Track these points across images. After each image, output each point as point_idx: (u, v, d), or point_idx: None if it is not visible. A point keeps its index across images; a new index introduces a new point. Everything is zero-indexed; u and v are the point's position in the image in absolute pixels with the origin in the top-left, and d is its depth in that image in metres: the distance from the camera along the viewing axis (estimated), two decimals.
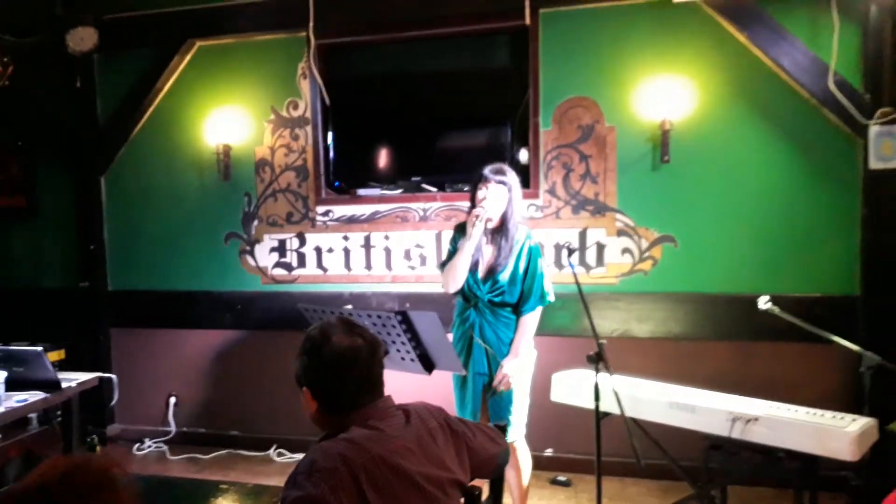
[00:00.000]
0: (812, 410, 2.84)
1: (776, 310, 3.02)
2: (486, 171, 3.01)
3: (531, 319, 2.95)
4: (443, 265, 3.09)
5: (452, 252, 3.05)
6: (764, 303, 3.04)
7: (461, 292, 3.00)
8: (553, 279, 3.10)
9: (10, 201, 4.80)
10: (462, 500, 1.57)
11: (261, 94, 4.36)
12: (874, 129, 3.38)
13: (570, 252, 2.96)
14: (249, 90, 4.37)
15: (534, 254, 2.94)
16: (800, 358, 3.64)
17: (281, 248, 4.41)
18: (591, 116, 3.86)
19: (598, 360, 2.63)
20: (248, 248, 4.46)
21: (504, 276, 2.92)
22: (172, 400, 4.60)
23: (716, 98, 3.71)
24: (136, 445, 4.49)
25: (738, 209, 3.73)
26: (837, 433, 2.57)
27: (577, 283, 2.74)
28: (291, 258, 4.39)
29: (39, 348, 3.11)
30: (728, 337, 3.77)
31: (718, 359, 3.75)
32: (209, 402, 4.56)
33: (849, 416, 2.73)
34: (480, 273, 2.96)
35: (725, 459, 3.23)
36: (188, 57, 4.43)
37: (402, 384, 2.37)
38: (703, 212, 3.77)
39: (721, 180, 3.74)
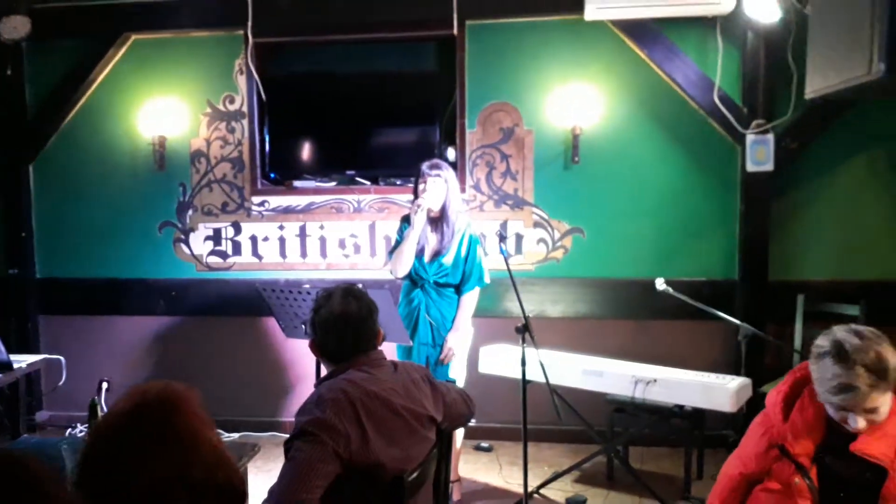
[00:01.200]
0: (699, 373, 3.38)
1: (670, 290, 3.53)
2: (424, 166, 3.39)
3: (471, 298, 3.36)
4: (391, 252, 3.43)
5: (399, 241, 3.40)
6: (660, 284, 3.55)
7: (408, 276, 3.36)
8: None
9: None
10: (435, 433, 1.92)
11: (197, 88, 4.51)
12: (750, 138, 3.98)
13: (503, 238, 3.35)
14: (185, 84, 4.52)
15: (473, 241, 3.35)
16: (689, 333, 4.20)
17: (216, 237, 4.59)
18: (512, 120, 4.29)
19: (524, 329, 3.04)
20: (182, 236, 4.61)
21: (447, 260, 3.30)
22: (104, 385, 4.66)
23: (620, 107, 4.21)
24: (68, 431, 4.55)
25: (637, 204, 4.25)
26: (720, 389, 3.11)
27: (508, 267, 3.15)
28: (227, 246, 4.58)
29: None
30: (629, 316, 4.29)
31: (621, 335, 4.26)
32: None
33: (728, 377, 3.27)
34: (426, 257, 3.33)
35: (628, 420, 3.76)
36: (123, 49, 4.53)
37: None
38: (608, 206, 4.27)
39: (623, 179, 4.25)
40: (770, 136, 3.94)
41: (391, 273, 3.47)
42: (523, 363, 3.08)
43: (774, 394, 1.94)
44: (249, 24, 4.34)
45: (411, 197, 3.99)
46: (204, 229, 4.59)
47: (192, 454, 1.14)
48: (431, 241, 3.39)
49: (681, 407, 3.55)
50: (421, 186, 3.37)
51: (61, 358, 3.57)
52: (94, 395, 2.45)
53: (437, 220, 3.39)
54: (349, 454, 1.63)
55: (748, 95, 4.03)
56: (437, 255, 3.35)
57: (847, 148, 4.03)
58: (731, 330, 3.92)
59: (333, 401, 1.67)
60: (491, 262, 3.64)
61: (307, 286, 3.15)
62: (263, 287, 3.13)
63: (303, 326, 3.02)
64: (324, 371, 1.95)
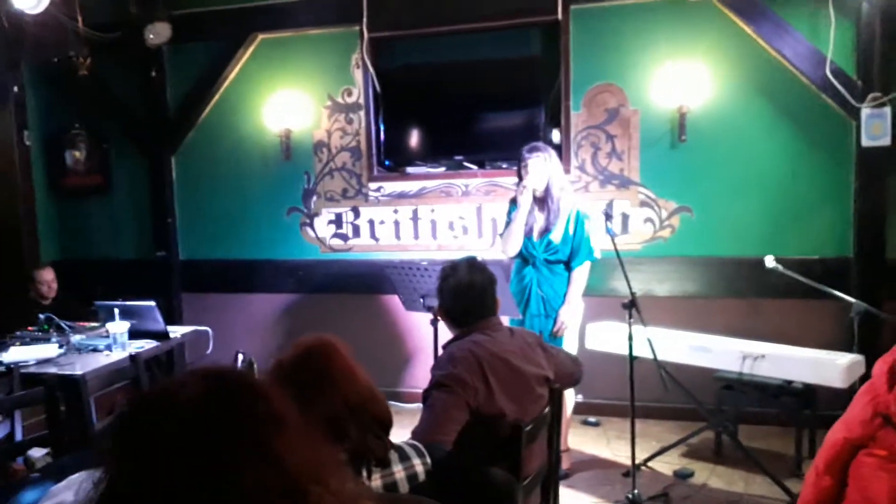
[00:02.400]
0: (810, 350, 3.39)
1: (780, 267, 3.56)
2: (524, 150, 3.59)
3: (581, 272, 3.52)
4: (501, 234, 3.64)
5: (508, 223, 3.60)
6: (770, 262, 3.58)
7: (519, 254, 3.55)
8: None
9: (89, 180, 5.32)
10: (547, 392, 2.12)
11: (318, 83, 4.86)
12: (866, 112, 3.89)
13: (608, 217, 3.48)
14: (307, 79, 4.87)
15: (580, 217, 3.51)
16: (799, 311, 4.16)
17: (338, 221, 4.93)
18: (617, 100, 4.37)
19: (631, 306, 3.17)
20: (307, 220, 4.99)
21: (555, 237, 3.48)
22: (240, 357, 5.14)
23: (727, 84, 4.20)
24: None
25: (746, 182, 4.24)
26: (830, 364, 3.12)
27: (615, 245, 3.28)
28: (347, 229, 4.92)
29: (152, 303, 3.66)
30: (737, 294, 4.30)
31: (729, 313, 4.27)
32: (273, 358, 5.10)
33: (840, 353, 3.27)
34: (535, 236, 3.52)
35: (736, 398, 3.81)
36: (251, 49, 4.93)
37: None
38: (716, 185, 4.29)
39: (732, 157, 4.25)
40: (887, 110, 3.85)
41: (502, 252, 3.67)
42: (630, 338, 3.21)
43: (881, 363, 2.00)
44: (364, 20, 4.63)
45: (516, 179, 4.22)
46: (326, 214, 4.95)
47: (351, 387, 1.38)
48: (539, 220, 3.56)
49: (790, 383, 3.58)
50: (523, 169, 3.55)
51: (209, 329, 3.99)
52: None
53: (543, 200, 3.56)
54: (477, 404, 1.86)
55: (863, 68, 3.94)
56: (545, 232, 3.52)
57: None
58: (844, 309, 3.88)
59: (463, 359, 1.90)
60: (598, 241, 3.77)
61: (425, 263, 3.38)
62: (387, 265, 3.41)
63: (421, 300, 3.27)
64: (444, 337, 2.18)
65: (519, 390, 1.96)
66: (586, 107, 4.42)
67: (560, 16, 4.34)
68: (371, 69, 4.72)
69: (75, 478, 1.95)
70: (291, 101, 4.86)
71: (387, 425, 1.41)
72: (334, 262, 4.96)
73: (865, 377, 3.32)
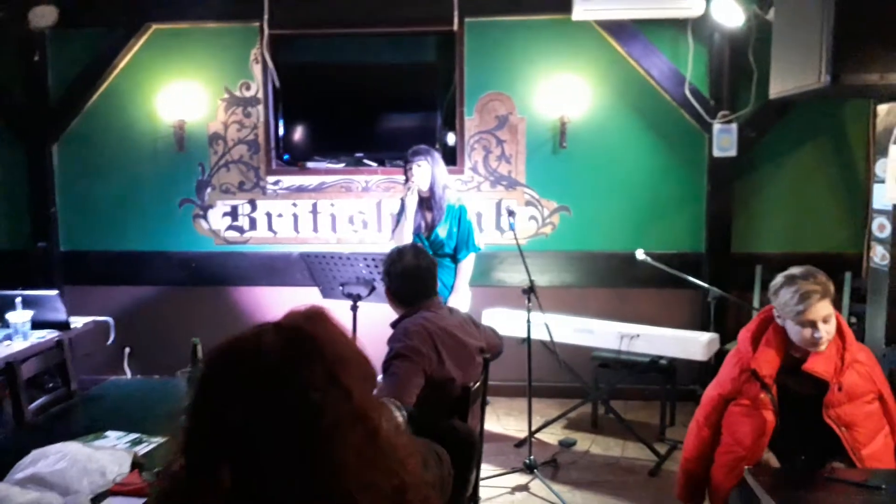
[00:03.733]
0: (675, 330, 3.94)
1: (649, 260, 4.08)
2: (408, 154, 3.91)
3: (467, 263, 3.88)
4: (393, 230, 3.91)
5: (399, 221, 3.88)
6: (640, 255, 4.09)
7: None
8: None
9: None
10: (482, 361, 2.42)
11: (215, 76, 4.87)
12: (716, 127, 4.53)
13: (511, 213, 3.84)
14: (204, 71, 4.87)
15: (463, 212, 3.88)
16: (661, 299, 4.75)
17: (233, 213, 4.97)
18: (506, 108, 4.76)
19: (530, 291, 3.54)
20: (201, 212, 4.98)
21: (442, 232, 3.81)
22: (127, 350, 5.05)
23: (602, 98, 4.71)
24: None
25: (617, 185, 4.77)
26: (693, 341, 3.67)
27: (517, 238, 3.66)
28: (243, 222, 4.97)
29: (55, 292, 3.58)
30: (608, 285, 4.82)
31: (601, 302, 4.78)
32: (163, 351, 5.02)
33: (700, 332, 3.83)
34: (424, 232, 3.82)
35: (610, 375, 4.31)
36: (144, 38, 4.85)
37: (387, 312, 3.15)
38: (591, 187, 4.79)
39: (605, 163, 4.76)
40: (734, 126, 4.50)
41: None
42: (528, 322, 3.58)
43: (745, 332, 2.48)
44: (266, 17, 4.71)
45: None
46: (221, 206, 4.97)
47: (348, 350, 1.47)
48: (426, 217, 3.89)
49: (657, 361, 4.12)
50: (408, 172, 3.85)
51: (109, 319, 3.94)
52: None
53: (428, 199, 3.89)
54: (431, 371, 2.12)
55: (714, 89, 4.58)
56: (432, 228, 3.85)
57: (798, 137, 4.62)
58: (697, 296, 4.53)
59: (416, 332, 2.16)
60: (492, 236, 4.14)
61: (346, 254, 3.56)
62: (306, 255, 3.56)
63: (340, 288, 3.46)
64: (363, 322, 2.40)
65: (463, 359, 2.24)
66: (479, 113, 4.78)
67: (456, 27, 4.66)
68: (271, 65, 4.81)
69: (38, 452, 2.02)
70: (186, 92, 4.84)
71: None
72: (229, 255, 4.99)
73: (719, 353, 3.93)
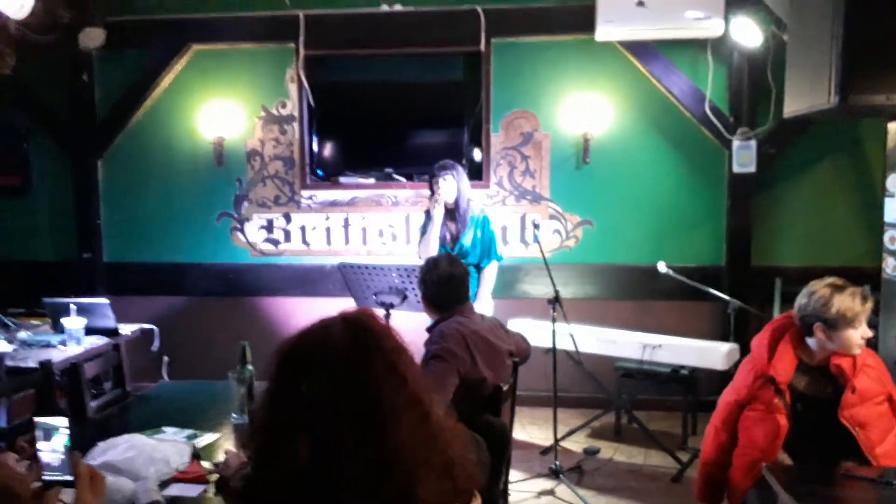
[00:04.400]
0: (696, 340, 4.07)
1: (671, 272, 4.21)
2: (435, 168, 4.07)
3: (490, 271, 4.04)
4: (419, 241, 4.08)
5: (424, 233, 4.05)
6: (662, 267, 4.23)
7: None
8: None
9: (7, 180, 5.26)
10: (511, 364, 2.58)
11: (252, 95, 5.10)
12: (736, 143, 4.67)
13: (536, 226, 4.00)
14: (242, 90, 5.10)
15: (486, 222, 4.05)
16: (681, 311, 4.87)
17: (269, 226, 5.19)
18: (531, 125, 4.94)
19: (555, 301, 3.69)
20: (238, 225, 5.20)
21: (466, 241, 3.98)
22: (165, 358, 5.25)
23: (624, 115, 4.87)
24: None
25: (639, 200, 4.92)
26: (714, 351, 3.79)
27: (542, 250, 3.82)
28: (278, 234, 5.18)
29: (106, 300, 3.79)
30: (630, 297, 4.96)
31: (623, 313, 4.90)
32: (200, 359, 5.22)
33: (720, 343, 3.96)
34: (449, 244, 3.99)
35: (633, 385, 4.44)
36: (186, 58, 5.10)
37: (419, 320, 3.31)
38: (614, 202, 4.94)
39: (627, 178, 4.91)
40: (753, 143, 4.64)
41: (419, 258, 4.10)
42: (553, 332, 3.73)
43: (758, 339, 2.61)
44: (301, 38, 4.94)
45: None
46: (258, 219, 5.18)
47: (399, 343, 1.58)
48: (451, 229, 4.06)
49: (678, 371, 4.24)
50: (434, 185, 4.02)
51: (155, 328, 4.14)
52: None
53: (453, 211, 4.07)
54: (465, 372, 2.28)
55: (734, 107, 4.73)
56: (457, 239, 4.02)
57: (816, 153, 4.74)
58: (717, 309, 4.64)
59: (451, 336, 2.32)
60: (517, 249, 4.30)
61: (379, 265, 3.73)
62: (342, 266, 3.76)
63: (374, 297, 3.63)
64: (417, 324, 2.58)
65: (495, 361, 2.40)
66: (504, 130, 4.96)
67: (483, 47, 4.86)
68: (306, 84, 5.03)
69: (107, 443, 2.21)
70: (225, 110, 5.07)
71: None
72: (265, 266, 5.20)
73: (738, 363, 4.04)
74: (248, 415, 2.54)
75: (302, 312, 5.12)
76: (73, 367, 3.00)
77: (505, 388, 2.34)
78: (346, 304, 4.82)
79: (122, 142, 5.22)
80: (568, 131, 4.89)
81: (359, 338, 1.35)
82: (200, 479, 2.09)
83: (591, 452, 4.26)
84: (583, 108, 4.82)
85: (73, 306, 3.64)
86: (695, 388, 4.43)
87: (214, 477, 2.07)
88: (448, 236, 4.08)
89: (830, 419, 2.43)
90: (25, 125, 5.27)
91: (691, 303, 4.78)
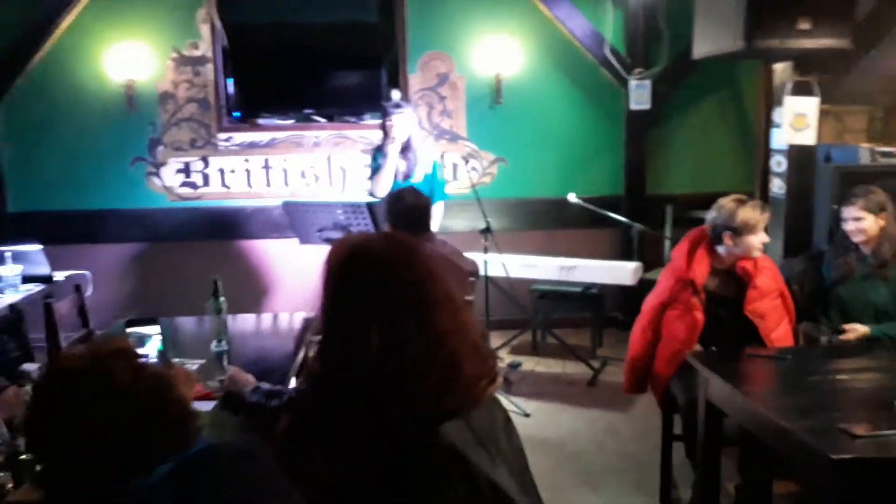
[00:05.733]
0: (606, 261, 4.54)
1: (581, 202, 4.63)
2: (388, 106, 4.22)
3: (438, 209, 4.27)
4: (370, 178, 4.24)
5: (374, 167, 4.22)
6: (572, 198, 4.64)
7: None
8: None
9: None
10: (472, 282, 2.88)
11: (162, 36, 4.99)
12: (632, 83, 5.11)
13: (466, 161, 4.27)
14: (151, 32, 4.97)
15: (437, 164, 4.25)
16: (587, 238, 5.32)
17: (186, 170, 5.16)
18: (446, 67, 5.16)
19: (487, 230, 4.02)
20: (154, 170, 5.14)
21: (416, 180, 4.18)
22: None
23: (532, 57, 5.18)
24: None
25: (547, 137, 5.30)
26: (623, 269, 4.28)
27: (473, 185, 4.10)
28: (196, 178, 5.17)
29: (39, 246, 3.74)
30: (541, 227, 5.37)
31: (536, 242, 5.30)
32: (120, 304, 5.19)
33: (626, 262, 4.45)
34: (399, 178, 4.19)
35: (548, 305, 4.88)
36: None
37: None
38: (525, 139, 5.29)
39: (536, 117, 5.27)
40: (648, 82, 5.09)
41: (370, 195, 4.29)
42: (486, 261, 4.06)
43: (677, 250, 3.04)
44: None
45: (362, 132, 5.03)
46: (174, 163, 5.14)
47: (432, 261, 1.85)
48: (401, 166, 4.25)
49: (588, 290, 4.71)
50: (388, 123, 4.18)
51: (87, 273, 4.10)
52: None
53: (404, 149, 4.25)
54: None
55: (631, 49, 5.15)
56: (407, 176, 4.22)
57: (703, 91, 5.28)
58: (617, 233, 5.19)
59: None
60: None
61: (325, 202, 3.87)
62: (286, 204, 3.88)
63: (317, 234, 3.80)
64: None
65: (460, 279, 2.68)
66: (421, 71, 5.15)
67: None
68: (219, 24, 4.98)
69: None
70: (134, 53, 4.93)
71: None
72: (183, 210, 5.18)
73: (644, 280, 4.56)
74: (225, 343, 2.72)
75: (225, 255, 5.20)
76: (47, 308, 3.00)
77: (469, 300, 2.64)
78: (270, 245, 5.03)
79: (21, 86, 4.97)
80: (481, 72, 5.15)
81: (401, 245, 1.62)
82: (207, 396, 2.26)
83: (514, 366, 4.69)
84: (495, 50, 5.08)
85: (7, 254, 3.57)
86: (602, 306, 4.94)
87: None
88: (398, 172, 4.24)
89: (736, 314, 2.92)
90: None
91: (595, 230, 5.25)
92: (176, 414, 1.24)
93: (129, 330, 2.07)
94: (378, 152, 4.26)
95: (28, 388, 1.99)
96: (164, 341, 2.13)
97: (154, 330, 2.09)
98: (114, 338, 1.28)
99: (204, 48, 5.02)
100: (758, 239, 2.85)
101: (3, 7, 4.86)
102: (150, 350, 2.05)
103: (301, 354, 2.78)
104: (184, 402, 1.27)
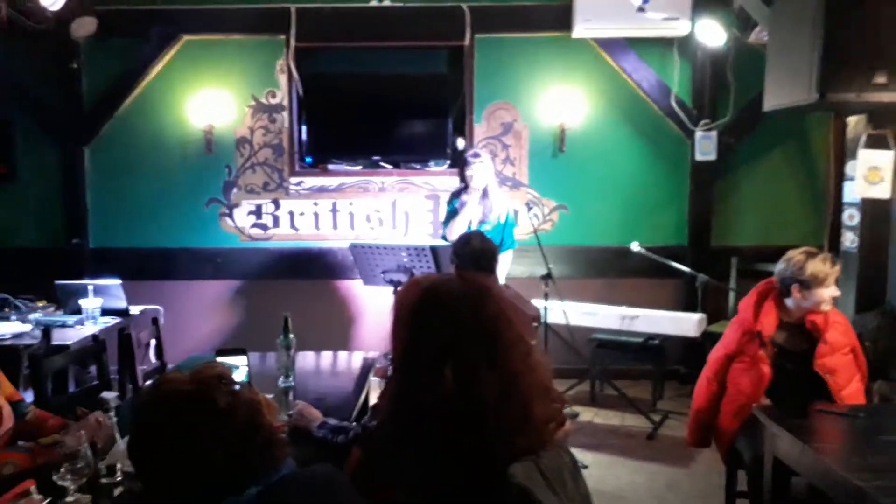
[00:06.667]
0: (669, 311, 4.49)
1: (643, 251, 4.61)
2: (468, 155, 4.34)
3: (506, 257, 4.33)
4: (445, 223, 4.33)
5: (450, 211, 4.31)
6: (635, 247, 4.62)
7: None
8: None
9: None
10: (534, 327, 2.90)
11: (242, 85, 5.26)
12: (698, 134, 5.11)
13: (529, 208, 4.32)
14: (232, 81, 5.25)
15: (508, 216, 4.32)
16: (649, 287, 5.27)
17: (258, 212, 5.36)
18: (511, 116, 5.27)
19: (548, 277, 4.04)
20: (227, 211, 5.36)
21: (488, 227, 4.26)
22: (153, 342, 5.36)
23: (597, 107, 5.25)
24: None
25: (610, 186, 5.32)
26: (687, 320, 4.22)
27: (536, 232, 4.14)
28: (267, 220, 5.36)
29: (118, 281, 3.94)
30: (602, 275, 5.35)
31: (596, 291, 5.28)
32: (190, 338, 5.37)
33: (690, 313, 4.38)
34: (473, 225, 4.26)
35: (607, 355, 4.84)
36: (176, 48, 5.22)
37: None
38: (587, 188, 5.32)
39: (599, 166, 5.30)
40: (714, 133, 5.08)
41: (444, 238, 4.36)
42: (545, 307, 4.08)
43: (745, 302, 3.00)
44: (292, 30, 5.13)
45: (426, 178, 5.17)
46: (247, 205, 5.35)
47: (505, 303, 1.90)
48: (476, 212, 4.34)
49: (649, 341, 4.65)
50: (468, 171, 4.27)
51: (160, 308, 4.29)
52: None
53: (481, 196, 4.35)
54: None
55: (697, 100, 5.17)
56: (481, 223, 4.31)
57: (769, 143, 5.23)
58: (680, 284, 5.12)
59: None
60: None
61: (391, 243, 3.97)
62: (353, 245, 4.00)
63: (382, 275, 3.89)
64: None
65: (524, 324, 2.71)
66: (486, 120, 5.27)
67: (467, 42, 5.15)
68: (296, 74, 5.22)
69: None
70: (215, 99, 5.21)
71: None
72: (253, 250, 5.37)
73: (707, 332, 4.48)
74: (292, 379, 2.80)
75: (291, 294, 5.33)
76: (125, 338, 3.16)
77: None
78: (333, 286, 5.15)
79: (110, 129, 5.29)
80: (545, 122, 5.24)
81: (475, 285, 1.67)
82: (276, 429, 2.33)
83: (571, 416, 4.63)
84: (559, 100, 5.18)
85: (89, 287, 3.77)
86: (663, 357, 4.86)
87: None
88: (473, 220, 4.31)
89: (805, 369, 2.85)
90: (11, 113, 5.27)
91: (657, 280, 5.20)
92: (266, 437, 1.30)
93: (218, 359, 2.17)
94: (455, 198, 4.37)
95: (111, 414, 2.10)
96: (248, 372, 2.24)
97: (242, 360, 2.18)
98: (212, 364, 1.36)
99: (281, 96, 5.26)
100: (828, 292, 2.79)
101: (106, 55, 5.21)
102: (237, 379, 2.16)
103: (364, 394, 2.83)
104: (272, 427, 1.33)
